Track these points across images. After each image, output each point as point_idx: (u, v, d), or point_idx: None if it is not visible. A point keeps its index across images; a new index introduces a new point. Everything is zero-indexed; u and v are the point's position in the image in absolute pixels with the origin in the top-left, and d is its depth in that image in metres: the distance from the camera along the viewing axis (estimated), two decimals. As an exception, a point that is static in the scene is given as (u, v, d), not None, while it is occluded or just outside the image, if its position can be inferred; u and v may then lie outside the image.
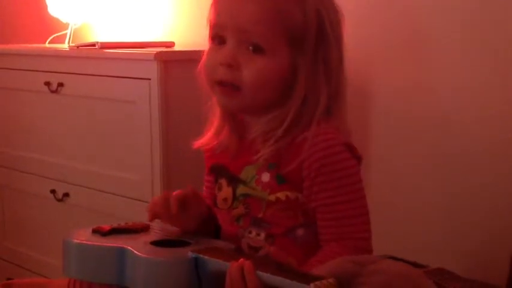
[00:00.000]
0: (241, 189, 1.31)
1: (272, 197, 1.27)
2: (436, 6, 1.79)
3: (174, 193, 1.31)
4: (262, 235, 1.29)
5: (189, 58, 2.10)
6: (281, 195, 1.27)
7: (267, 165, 1.28)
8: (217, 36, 1.29)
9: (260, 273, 1.07)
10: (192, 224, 1.33)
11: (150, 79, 2.00)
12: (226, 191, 1.35)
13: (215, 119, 1.37)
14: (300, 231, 1.28)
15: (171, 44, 2.35)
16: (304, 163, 1.24)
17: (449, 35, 1.77)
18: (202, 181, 1.44)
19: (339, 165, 1.24)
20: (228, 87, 1.27)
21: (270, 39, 1.24)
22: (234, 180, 1.33)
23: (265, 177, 1.28)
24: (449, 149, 1.80)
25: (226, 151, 1.35)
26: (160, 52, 2.03)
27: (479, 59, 1.73)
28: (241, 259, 1.10)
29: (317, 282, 0.96)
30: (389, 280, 0.98)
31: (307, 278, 0.99)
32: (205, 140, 1.38)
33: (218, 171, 1.37)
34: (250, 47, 1.25)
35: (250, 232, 1.31)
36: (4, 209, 2.64)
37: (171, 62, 2.02)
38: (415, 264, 1.48)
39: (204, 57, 1.33)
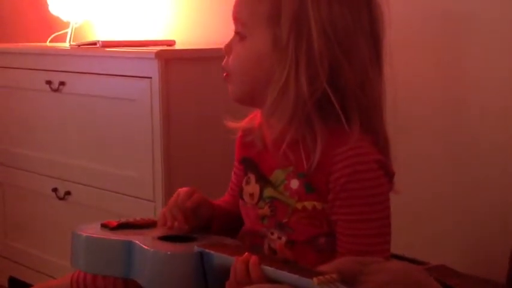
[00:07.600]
0: (268, 191, 1.30)
1: (299, 205, 1.25)
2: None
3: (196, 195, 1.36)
4: (283, 239, 1.28)
5: (190, 56, 2.12)
6: (308, 204, 1.25)
7: (297, 172, 1.26)
8: None
9: (265, 267, 1.08)
10: (199, 222, 1.35)
11: (151, 77, 2.00)
12: (253, 187, 1.33)
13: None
14: (322, 240, 1.26)
15: (172, 43, 2.35)
16: (331, 176, 1.22)
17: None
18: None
19: (367, 183, 1.21)
20: (225, 74, 1.32)
21: (249, 25, 1.27)
22: (263, 180, 1.31)
23: (294, 184, 1.26)
24: (451, 146, 1.80)
25: (257, 145, 1.33)
26: (161, 50, 2.04)
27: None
28: (247, 253, 1.12)
29: (320, 277, 0.97)
30: (392, 278, 0.98)
31: (311, 273, 1.00)
32: (245, 122, 1.37)
33: (248, 165, 1.36)
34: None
35: (272, 233, 1.29)
36: (6, 207, 2.64)
37: (172, 60, 2.02)
38: (415, 261, 1.49)
39: None
